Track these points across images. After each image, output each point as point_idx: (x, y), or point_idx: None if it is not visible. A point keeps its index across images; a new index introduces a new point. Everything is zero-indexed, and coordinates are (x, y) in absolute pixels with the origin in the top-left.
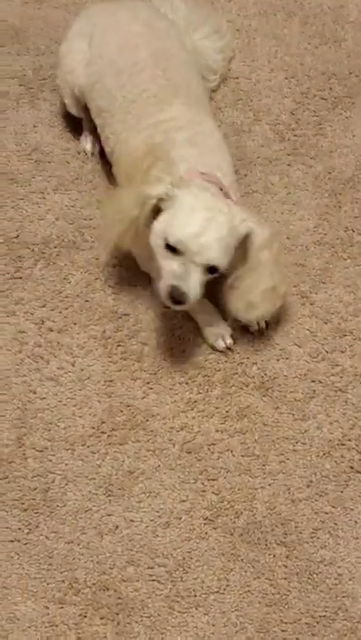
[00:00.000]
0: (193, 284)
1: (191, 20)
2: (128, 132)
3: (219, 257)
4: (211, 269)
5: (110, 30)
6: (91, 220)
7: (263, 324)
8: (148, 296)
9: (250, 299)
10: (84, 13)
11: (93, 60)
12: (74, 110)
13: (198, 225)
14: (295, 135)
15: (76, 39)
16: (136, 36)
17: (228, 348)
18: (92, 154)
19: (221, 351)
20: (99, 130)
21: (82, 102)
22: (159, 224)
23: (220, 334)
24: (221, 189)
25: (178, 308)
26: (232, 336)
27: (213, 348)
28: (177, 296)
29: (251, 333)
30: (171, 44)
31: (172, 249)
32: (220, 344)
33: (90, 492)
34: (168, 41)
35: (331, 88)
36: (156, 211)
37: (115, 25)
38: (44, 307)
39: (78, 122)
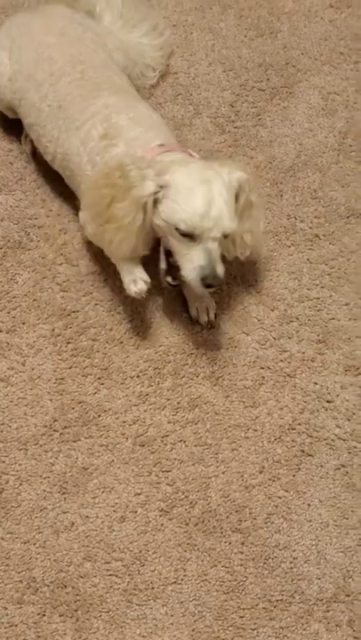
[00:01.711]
0: (219, 263)
1: (128, 19)
2: (65, 134)
3: (231, 222)
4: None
5: (26, 44)
6: (36, 219)
7: (213, 317)
8: (96, 292)
9: (248, 239)
10: (4, 26)
11: (15, 77)
12: (9, 114)
13: (202, 202)
14: (235, 127)
15: None
16: (50, 47)
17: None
18: (33, 154)
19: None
20: (35, 143)
21: (14, 108)
22: (164, 213)
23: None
24: (189, 153)
25: (211, 290)
26: (147, 284)
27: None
28: (211, 281)
29: (200, 325)
30: (85, 48)
31: (186, 234)
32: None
33: (44, 490)
34: (82, 46)
35: (268, 79)
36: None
37: (30, 38)
38: None
39: (18, 122)
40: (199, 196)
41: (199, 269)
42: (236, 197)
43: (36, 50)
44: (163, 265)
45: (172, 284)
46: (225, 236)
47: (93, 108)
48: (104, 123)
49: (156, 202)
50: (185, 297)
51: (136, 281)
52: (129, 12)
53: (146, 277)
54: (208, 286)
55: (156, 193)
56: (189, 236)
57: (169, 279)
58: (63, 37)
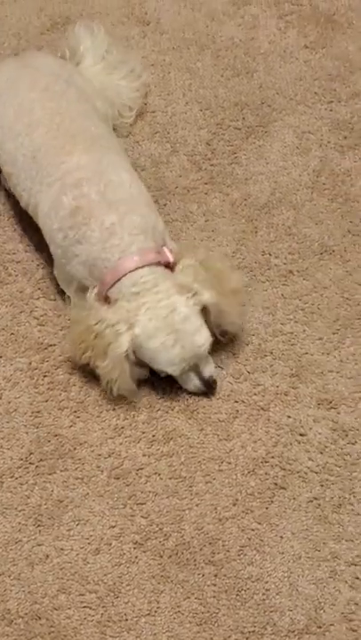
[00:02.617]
0: (208, 364)
1: (109, 61)
2: (37, 186)
3: (207, 337)
4: None
5: (9, 100)
6: (14, 254)
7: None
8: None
9: (233, 320)
10: None
11: None
12: None
13: (178, 352)
14: (211, 165)
15: None
16: (32, 101)
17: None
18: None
19: None
20: (12, 191)
21: None
22: (146, 357)
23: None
24: (159, 260)
25: (214, 391)
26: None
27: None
28: (212, 385)
29: None
30: (66, 102)
31: None
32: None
33: (19, 522)
34: (63, 100)
35: (244, 118)
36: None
37: (14, 94)
38: None
39: None
40: (172, 348)
41: (198, 387)
42: (205, 310)
43: (18, 104)
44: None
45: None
46: None
47: (65, 166)
48: (74, 190)
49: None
50: None
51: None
52: (110, 54)
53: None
54: (210, 388)
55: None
56: None
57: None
58: (46, 93)
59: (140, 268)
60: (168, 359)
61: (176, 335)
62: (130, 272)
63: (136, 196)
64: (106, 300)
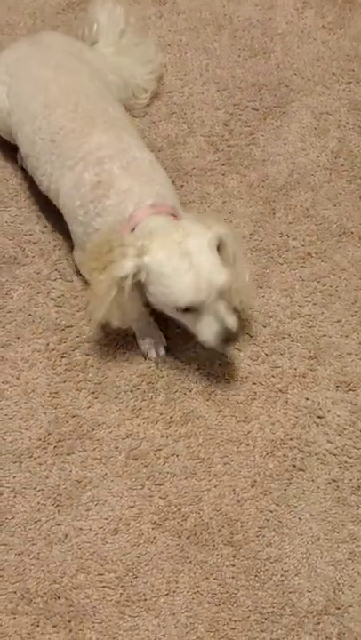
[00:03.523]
0: (229, 316)
1: (123, 42)
2: (58, 171)
3: (222, 275)
4: None
5: (23, 80)
6: (31, 235)
7: (162, 352)
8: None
9: (238, 289)
10: (3, 57)
11: (13, 110)
12: (10, 141)
13: (191, 278)
14: (229, 146)
15: None
16: (46, 80)
17: (160, 357)
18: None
19: (154, 362)
20: (30, 173)
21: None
22: (157, 297)
23: (153, 344)
24: (174, 215)
25: (231, 346)
26: (166, 347)
27: (145, 357)
28: (229, 337)
29: (196, 343)
30: (80, 78)
31: (188, 309)
32: (153, 353)
33: (38, 502)
34: (78, 76)
35: (261, 99)
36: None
37: (27, 72)
38: None
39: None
40: (185, 273)
41: (216, 334)
42: (220, 248)
43: (33, 83)
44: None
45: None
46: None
47: (86, 146)
48: (96, 167)
49: (140, 283)
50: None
51: (158, 346)
52: (125, 35)
53: (165, 341)
54: (228, 341)
55: (135, 274)
56: (192, 309)
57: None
58: (59, 70)
59: (154, 215)
60: (181, 286)
61: (190, 260)
62: (145, 219)
63: (157, 172)
64: None
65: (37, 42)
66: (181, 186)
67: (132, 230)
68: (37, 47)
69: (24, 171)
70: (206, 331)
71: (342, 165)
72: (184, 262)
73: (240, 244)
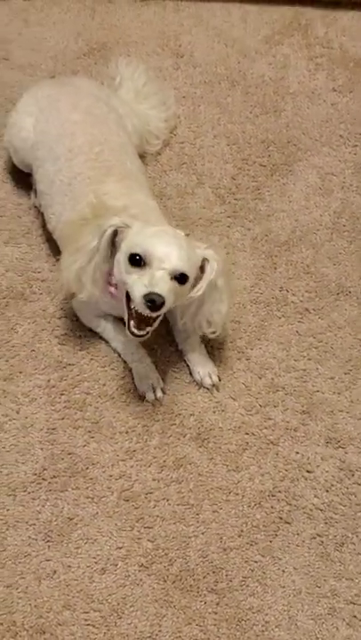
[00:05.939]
0: (165, 286)
1: (142, 91)
2: (67, 214)
3: (184, 263)
4: (179, 278)
5: (51, 118)
6: (39, 272)
7: (216, 380)
8: (92, 347)
9: (211, 319)
10: (32, 91)
11: (36, 146)
12: (22, 167)
13: (162, 239)
14: (235, 199)
15: (22, 115)
16: (74, 124)
17: (157, 400)
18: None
19: (151, 403)
20: (42, 209)
21: (33, 171)
22: (124, 246)
23: (151, 385)
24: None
25: (155, 313)
26: (163, 390)
27: (143, 399)
28: (154, 299)
29: (196, 386)
30: (108, 130)
31: (137, 262)
32: (150, 395)
33: (29, 537)
34: (105, 126)
35: (270, 155)
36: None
37: (57, 114)
38: None
39: (29, 177)
40: (154, 235)
41: (142, 288)
42: (202, 269)
43: (60, 124)
44: (126, 316)
45: (138, 334)
46: (181, 280)
47: (94, 190)
48: (98, 199)
49: (118, 241)
50: (186, 363)
51: (155, 389)
52: (144, 85)
53: (162, 384)
54: (150, 303)
55: (118, 231)
56: (141, 265)
57: (134, 329)
58: (88, 116)
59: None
60: (145, 238)
61: (165, 234)
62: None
63: (156, 212)
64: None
65: (69, 83)
66: (187, 234)
67: None
68: (68, 88)
69: (37, 209)
70: (138, 288)
71: (344, 226)
72: (159, 232)
73: (227, 277)
